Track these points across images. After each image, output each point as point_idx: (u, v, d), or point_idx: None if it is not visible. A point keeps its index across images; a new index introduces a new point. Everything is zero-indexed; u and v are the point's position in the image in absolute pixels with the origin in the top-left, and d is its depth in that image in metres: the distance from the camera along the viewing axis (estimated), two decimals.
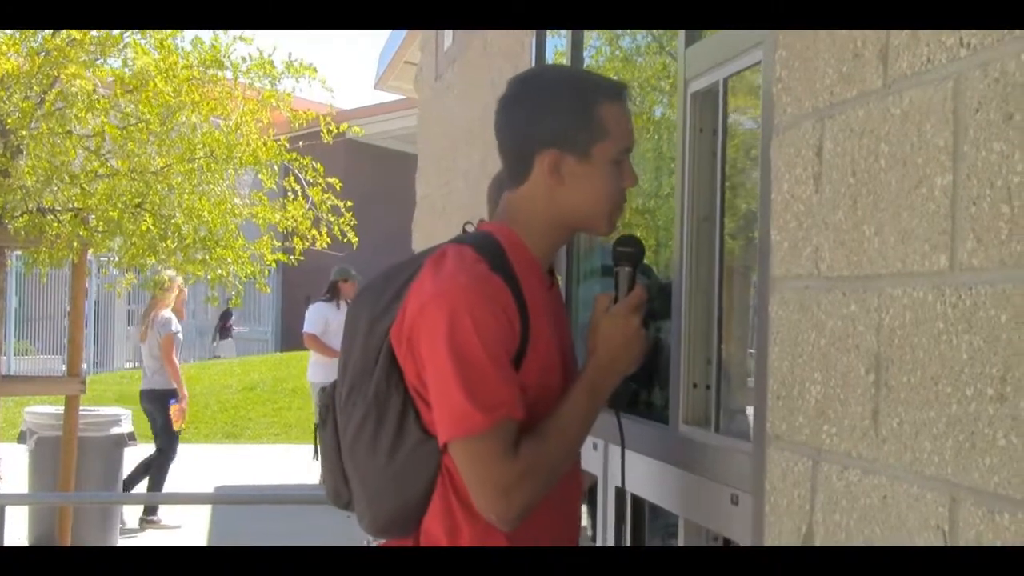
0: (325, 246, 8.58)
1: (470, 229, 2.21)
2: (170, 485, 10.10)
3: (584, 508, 3.34)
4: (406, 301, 2.08)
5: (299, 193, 8.47)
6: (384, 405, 2.10)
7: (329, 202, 8.50)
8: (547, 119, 2.13)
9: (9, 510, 6.71)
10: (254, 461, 13.61)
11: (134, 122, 7.47)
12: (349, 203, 8.71)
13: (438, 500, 2.10)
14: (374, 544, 3.10)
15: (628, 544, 2.78)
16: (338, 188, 8.52)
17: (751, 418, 2.11)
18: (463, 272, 2.04)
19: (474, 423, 1.99)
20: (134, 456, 9.21)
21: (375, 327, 2.13)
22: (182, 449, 13.20)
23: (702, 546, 2.40)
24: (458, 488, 2.08)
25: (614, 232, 2.22)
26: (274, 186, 8.35)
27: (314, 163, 8.37)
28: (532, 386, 2.06)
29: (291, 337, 27.48)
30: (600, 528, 2.91)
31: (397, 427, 2.09)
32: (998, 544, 1.35)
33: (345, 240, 8.51)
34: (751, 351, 2.33)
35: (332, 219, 8.48)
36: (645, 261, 3.52)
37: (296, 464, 12.69)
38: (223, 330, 26.70)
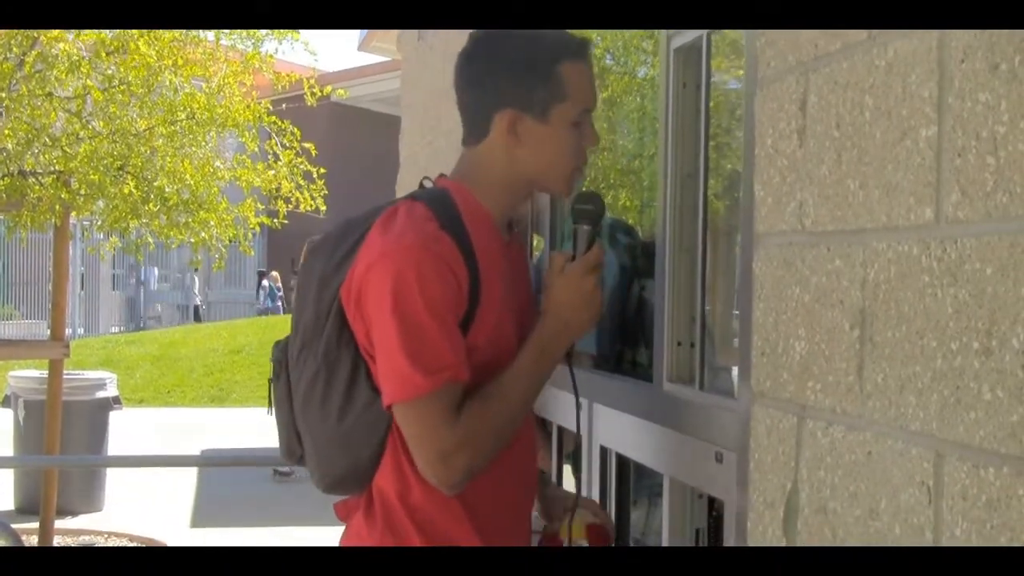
0: (308, 209, 8.54)
1: (428, 184, 2.18)
2: (156, 448, 10.09)
3: (569, 468, 3.34)
4: (356, 260, 2.05)
5: (280, 156, 8.43)
6: (334, 364, 2.07)
7: (302, 167, 8.46)
8: (506, 78, 2.09)
9: None
10: (240, 424, 13.60)
11: (116, 84, 7.41)
12: (322, 169, 8.66)
13: (389, 458, 2.08)
14: None
15: (613, 504, 2.77)
16: (313, 153, 8.47)
17: (735, 375, 2.10)
18: (411, 231, 2.01)
19: (415, 386, 1.97)
20: (119, 420, 9.20)
21: (325, 286, 2.09)
22: (167, 413, 13.20)
23: (690, 546, 2.40)
24: (408, 448, 2.06)
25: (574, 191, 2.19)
26: (256, 149, 8.31)
27: (292, 127, 8.32)
28: (482, 346, 2.04)
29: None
30: (585, 488, 2.90)
31: (347, 387, 2.06)
32: (983, 499, 1.34)
33: (313, 208, 8.47)
34: (735, 312, 2.31)
35: (302, 183, 8.44)
36: (630, 221, 3.51)
37: None
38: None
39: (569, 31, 2.15)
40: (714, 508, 2.41)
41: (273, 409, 2.27)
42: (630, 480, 2.80)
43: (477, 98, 2.13)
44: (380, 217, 2.08)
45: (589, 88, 2.14)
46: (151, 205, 7.62)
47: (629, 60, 3.77)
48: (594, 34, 3.61)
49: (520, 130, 2.09)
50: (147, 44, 7.36)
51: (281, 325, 21.14)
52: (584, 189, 2.22)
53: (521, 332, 2.13)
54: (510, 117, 2.09)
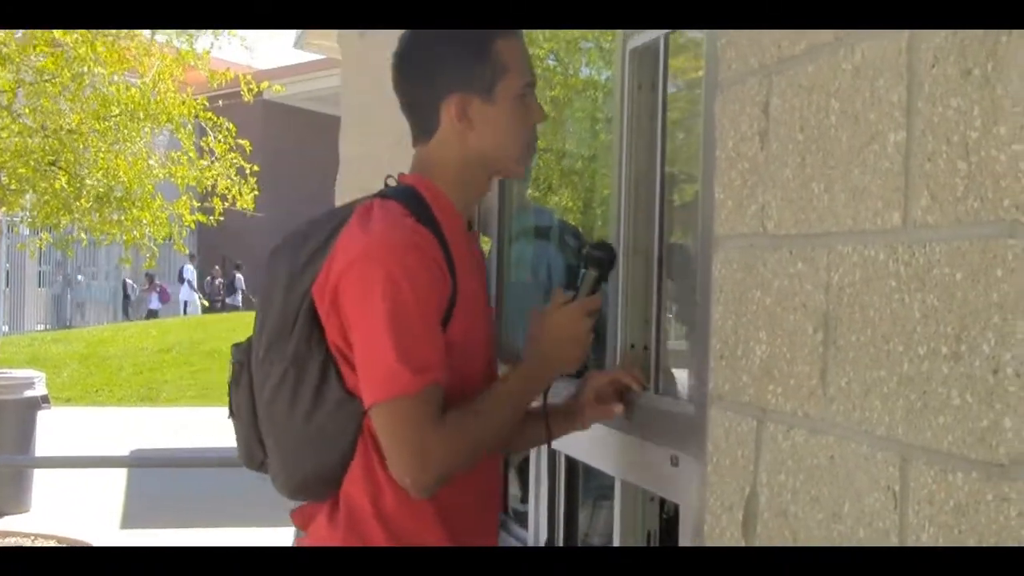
0: (245, 206, 8.47)
1: (392, 183, 2.17)
2: (85, 448, 9.94)
3: (514, 471, 3.32)
4: (331, 257, 2.02)
5: (216, 153, 8.37)
6: (304, 365, 2.04)
7: (236, 163, 8.39)
8: (446, 64, 2.09)
9: None
10: (171, 424, 13.45)
11: (47, 78, 7.30)
12: (255, 167, 8.60)
13: (359, 463, 2.04)
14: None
15: (562, 505, 2.76)
16: (248, 150, 8.41)
17: (691, 379, 2.09)
18: (394, 228, 2.00)
19: (405, 384, 1.94)
20: (47, 419, 9.05)
21: (295, 284, 2.06)
22: (97, 412, 12.96)
23: (668, 546, 2.39)
24: (381, 451, 2.03)
25: (528, 174, 2.20)
26: (191, 146, 8.23)
27: (227, 124, 8.26)
28: (461, 339, 2.03)
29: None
30: (533, 489, 2.89)
31: (317, 387, 2.03)
32: (951, 504, 1.34)
33: (242, 206, 8.39)
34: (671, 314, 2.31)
35: (235, 178, 8.38)
36: (572, 223, 3.50)
37: (214, 427, 12.57)
38: (230, 286, 27.14)
39: None
40: (664, 510, 2.41)
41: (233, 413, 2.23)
42: (579, 482, 2.79)
43: (420, 93, 2.12)
44: (355, 215, 2.06)
45: (527, 63, 2.14)
46: (83, 201, 7.52)
47: (573, 62, 3.76)
48: (540, 36, 3.60)
49: (470, 113, 2.09)
50: (74, 41, 7.26)
51: (212, 324, 20.95)
52: (602, 240, 2.25)
53: (488, 327, 2.13)
54: (457, 102, 2.08)
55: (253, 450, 2.17)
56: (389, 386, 1.96)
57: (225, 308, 26.76)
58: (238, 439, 2.20)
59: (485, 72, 2.08)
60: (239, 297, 27.57)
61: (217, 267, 28.23)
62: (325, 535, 2.09)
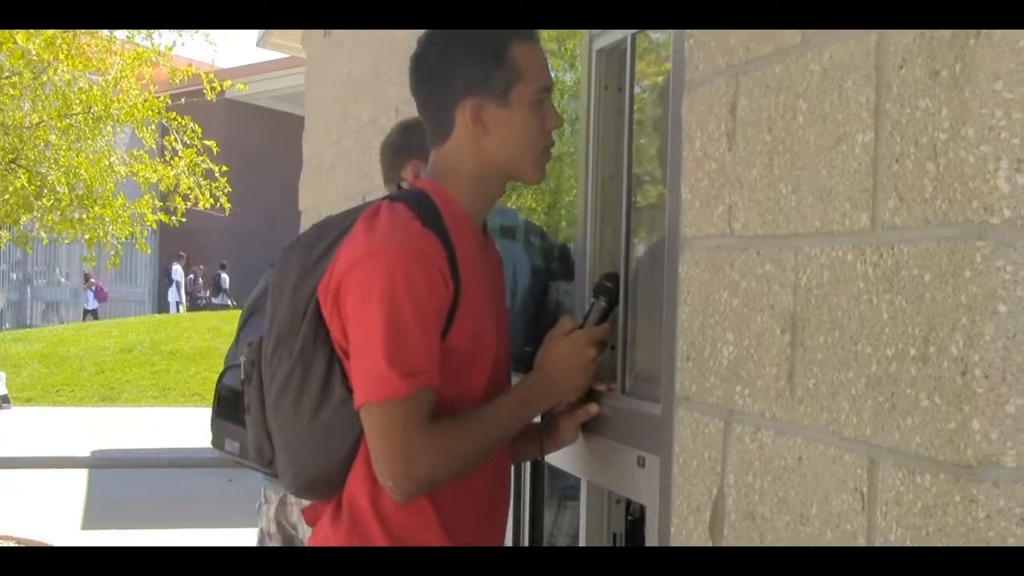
0: (208, 207, 8.42)
1: (405, 186, 2.17)
2: (46, 449, 9.86)
3: None
4: (336, 258, 2.03)
5: (179, 153, 8.32)
6: (309, 363, 2.05)
7: (204, 165, 8.35)
8: (461, 67, 2.08)
9: None
10: (131, 424, 13.35)
11: (7, 75, 7.24)
12: (224, 168, 8.55)
13: (361, 463, 2.05)
14: (266, 505, 3.04)
15: (527, 506, 2.75)
16: (215, 151, 8.36)
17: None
18: (397, 231, 2.00)
19: (392, 388, 1.95)
20: (7, 419, 8.98)
21: (303, 283, 2.07)
22: (57, 412, 12.84)
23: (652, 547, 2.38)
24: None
25: (544, 179, 2.21)
26: (154, 144, 8.18)
27: (192, 124, 8.21)
28: (462, 347, 2.03)
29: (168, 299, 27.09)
30: None
31: (322, 384, 2.04)
32: (919, 506, 1.34)
33: (217, 206, 8.36)
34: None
35: (204, 183, 8.34)
36: (536, 223, 3.49)
37: (174, 427, 12.48)
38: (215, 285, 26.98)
39: None
40: (630, 511, 2.40)
41: (217, 409, 2.23)
42: (544, 482, 2.78)
43: (436, 96, 2.12)
44: (362, 216, 2.06)
45: (543, 67, 2.14)
46: (44, 200, 7.46)
47: None
48: None
49: (485, 117, 2.08)
50: (26, 38, 7.20)
51: (173, 324, 20.83)
52: (612, 271, 2.28)
53: (499, 332, 2.13)
54: (472, 106, 2.07)
55: (263, 448, 2.18)
56: (379, 388, 1.96)
57: (211, 307, 26.54)
58: (249, 436, 2.21)
59: (500, 76, 2.07)
60: (225, 297, 27.37)
61: (202, 266, 28.02)
62: (328, 534, 2.10)
